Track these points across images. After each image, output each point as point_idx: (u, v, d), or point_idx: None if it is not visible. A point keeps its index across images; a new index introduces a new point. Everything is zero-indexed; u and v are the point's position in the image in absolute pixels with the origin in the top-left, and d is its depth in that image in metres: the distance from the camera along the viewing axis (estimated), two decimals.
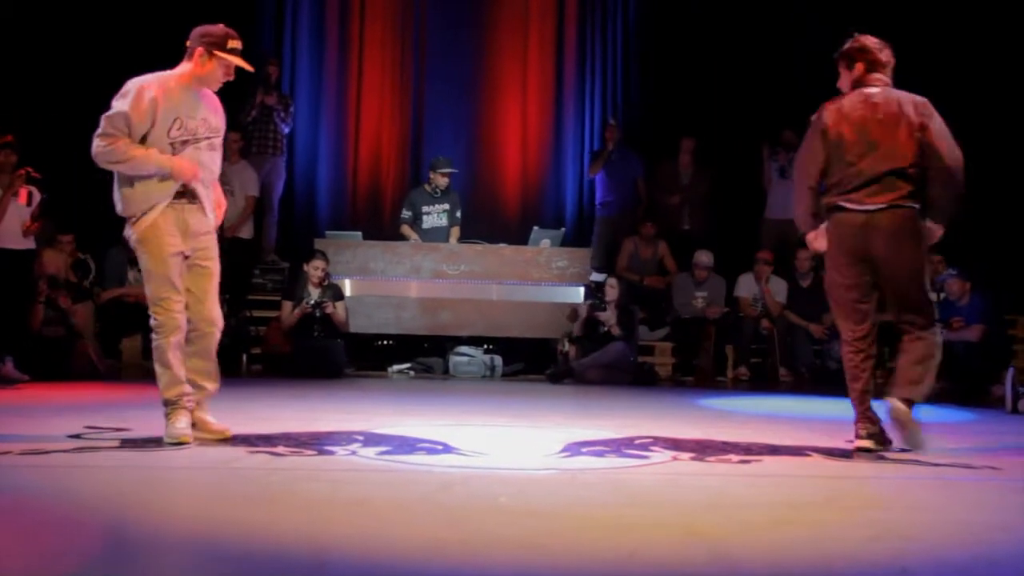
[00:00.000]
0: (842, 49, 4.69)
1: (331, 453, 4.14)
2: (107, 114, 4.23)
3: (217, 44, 4.33)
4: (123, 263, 8.55)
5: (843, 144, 4.53)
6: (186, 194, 4.33)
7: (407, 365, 9.02)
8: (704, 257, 9.58)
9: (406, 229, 9.40)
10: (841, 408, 4.93)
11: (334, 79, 11.04)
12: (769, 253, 9.62)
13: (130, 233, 4.33)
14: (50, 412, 5.44)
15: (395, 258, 9.09)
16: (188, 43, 4.38)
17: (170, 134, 4.26)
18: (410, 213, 9.44)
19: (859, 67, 4.63)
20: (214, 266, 4.44)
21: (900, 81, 4.69)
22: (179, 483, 3.71)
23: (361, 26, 11.08)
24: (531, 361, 9.11)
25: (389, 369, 9.00)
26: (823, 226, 4.62)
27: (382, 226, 10.47)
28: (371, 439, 4.52)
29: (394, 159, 11.12)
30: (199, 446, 4.22)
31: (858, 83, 4.63)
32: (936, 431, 4.70)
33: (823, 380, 8.69)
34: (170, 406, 4.29)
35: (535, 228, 9.61)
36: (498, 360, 8.98)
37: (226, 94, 4.56)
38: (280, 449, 4.15)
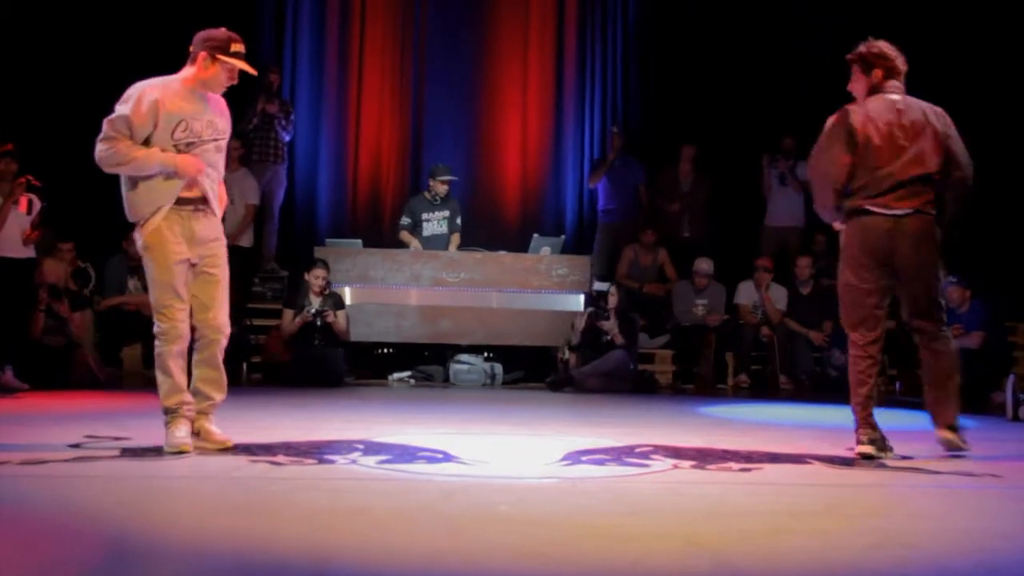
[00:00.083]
0: (859, 51, 4.68)
1: (331, 462, 4.14)
2: (109, 118, 4.25)
3: (220, 48, 4.34)
4: (123, 271, 8.56)
5: (871, 148, 4.54)
6: (193, 201, 4.33)
7: (407, 373, 9.00)
8: (704, 264, 9.58)
9: (405, 235, 9.36)
10: (842, 416, 4.93)
11: (334, 86, 11.02)
12: (769, 260, 9.62)
13: (138, 237, 4.33)
14: (50, 421, 5.44)
15: (395, 266, 9.07)
16: (191, 48, 4.38)
17: (174, 136, 4.27)
18: (409, 220, 9.42)
19: (878, 73, 4.63)
20: (222, 273, 4.45)
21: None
22: (179, 492, 3.71)
23: (361, 33, 11.07)
24: (531, 369, 9.09)
25: (389, 377, 8.99)
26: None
27: (382, 234, 10.45)
28: (371, 448, 4.52)
29: (394, 166, 11.10)
30: (199, 455, 4.22)
31: (876, 89, 4.63)
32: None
33: (823, 388, 8.68)
34: (170, 414, 4.29)
35: (535, 236, 9.59)
36: (498, 368, 8.96)
37: (228, 102, 4.57)
38: (280, 458, 4.15)
